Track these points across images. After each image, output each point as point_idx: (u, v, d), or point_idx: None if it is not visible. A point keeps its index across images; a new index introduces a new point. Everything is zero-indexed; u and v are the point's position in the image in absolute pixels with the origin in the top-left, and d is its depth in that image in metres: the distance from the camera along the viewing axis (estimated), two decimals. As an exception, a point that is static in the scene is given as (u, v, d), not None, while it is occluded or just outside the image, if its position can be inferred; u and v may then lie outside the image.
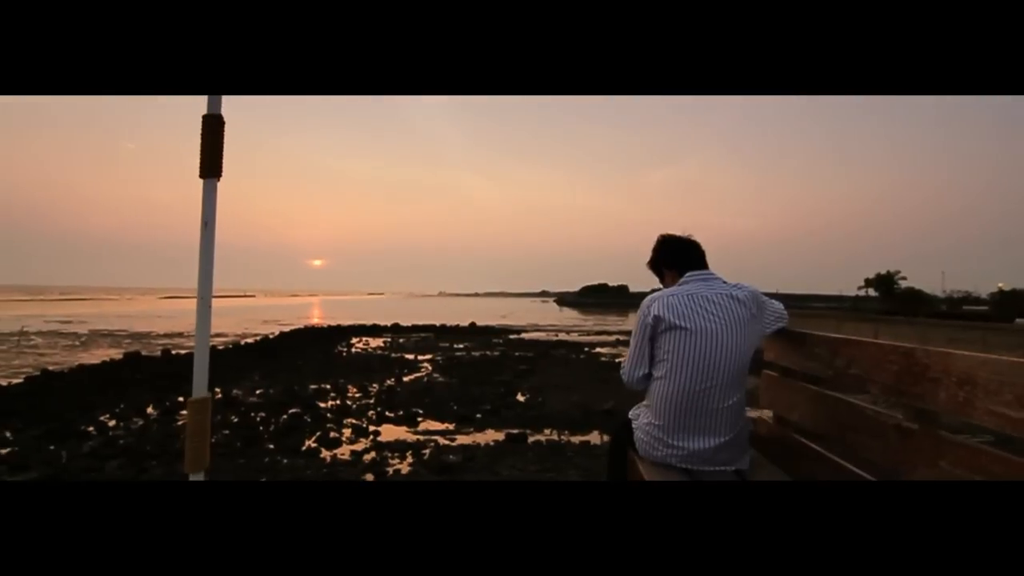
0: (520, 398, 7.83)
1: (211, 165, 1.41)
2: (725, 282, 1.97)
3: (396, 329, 22.25)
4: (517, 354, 13.83)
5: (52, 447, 5.11)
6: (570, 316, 44.22)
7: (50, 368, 10.01)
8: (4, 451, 4.99)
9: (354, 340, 17.60)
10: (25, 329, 19.24)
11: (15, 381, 8.68)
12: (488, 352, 14.27)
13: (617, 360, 13.08)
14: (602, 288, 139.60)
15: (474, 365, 11.52)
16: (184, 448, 1.44)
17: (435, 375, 10.11)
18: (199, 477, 1.44)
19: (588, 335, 22.37)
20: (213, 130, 1.42)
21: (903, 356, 1.46)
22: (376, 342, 17.10)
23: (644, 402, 2.05)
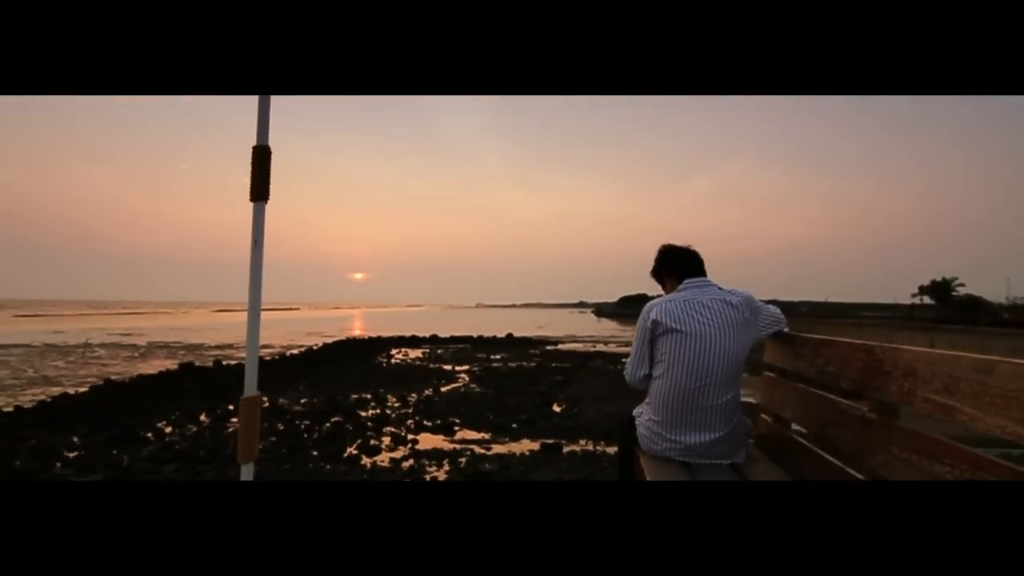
0: (556, 408, 7.87)
1: (260, 190, 1.58)
2: (720, 288, 2.09)
3: (434, 340, 22.54)
4: (554, 365, 13.83)
5: (114, 451, 5.46)
6: (608, 327, 43.74)
7: (112, 378, 10.62)
8: (72, 455, 5.36)
9: (394, 351, 17.94)
10: (90, 341, 20.41)
11: (81, 390, 9.25)
12: (525, 363, 14.32)
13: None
14: (641, 298, 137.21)
15: (510, 376, 11.59)
16: (239, 441, 1.59)
17: (472, 385, 10.23)
18: (249, 467, 1.58)
19: (626, 346, 22.13)
20: (262, 159, 1.58)
21: (865, 353, 1.59)
22: (415, 353, 17.39)
23: (646, 400, 2.19)
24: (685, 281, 2.13)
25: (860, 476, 1.60)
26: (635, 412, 2.26)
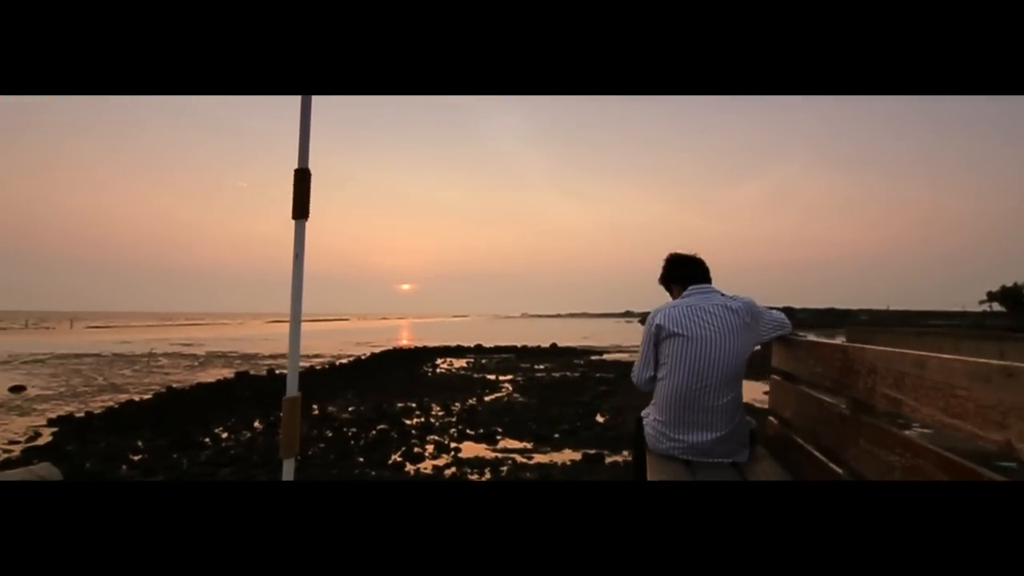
0: (599, 419, 7.80)
1: (301, 209, 1.68)
2: (723, 295, 2.19)
3: (479, 350, 22.70)
4: (598, 375, 13.71)
5: (175, 455, 5.74)
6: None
7: (174, 385, 11.19)
8: (136, 458, 5.67)
9: (439, 361, 18.18)
10: (154, 351, 21.54)
11: (145, 397, 9.78)
12: (568, 373, 14.26)
13: (702, 381, 12.63)
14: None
15: (554, 386, 11.56)
16: (281, 437, 1.71)
17: (515, 395, 10.26)
18: (291, 462, 1.66)
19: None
20: (302, 180, 1.68)
21: (842, 353, 1.69)
22: (459, 363, 17.56)
23: (652, 401, 2.27)
24: (689, 288, 2.23)
25: (841, 472, 1.67)
26: (643, 413, 2.35)
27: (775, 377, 2.59)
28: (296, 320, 1.65)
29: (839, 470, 1.66)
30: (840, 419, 1.68)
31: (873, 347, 1.50)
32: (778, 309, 2.31)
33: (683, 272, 2.30)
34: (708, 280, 2.27)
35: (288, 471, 1.66)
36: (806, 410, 2.08)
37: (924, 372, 1.18)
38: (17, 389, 10.88)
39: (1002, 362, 0.95)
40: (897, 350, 1.35)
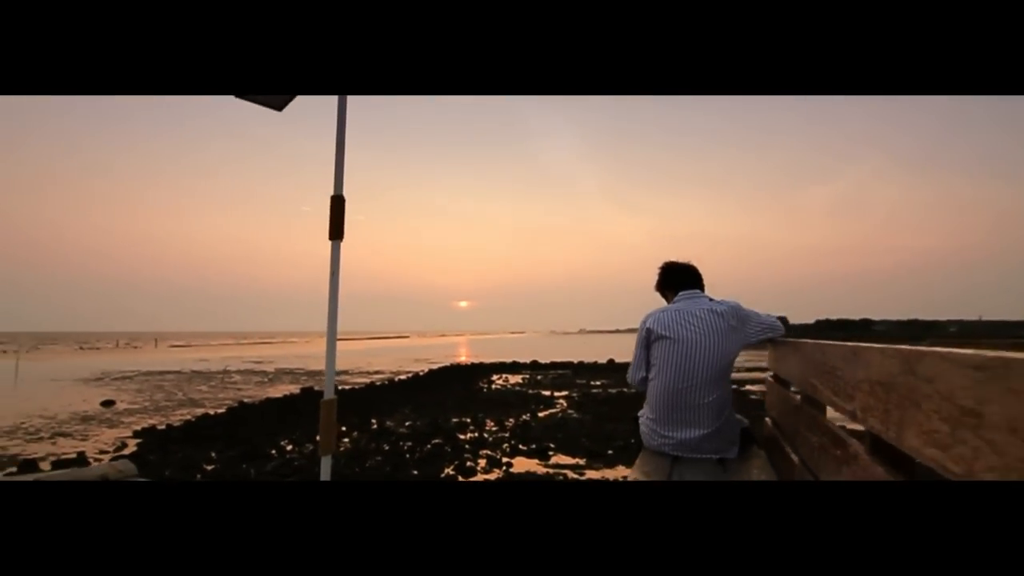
0: (654, 435, 7.66)
1: (336, 231, 1.87)
2: (711, 300, 2.32)
3: (535, 366, 22.69)
4: (656, 391, 13.43)
5: (244, 465, 6.09)
6: (718, 352, 41.53)
7: (245, 400, 11.83)
8: (209, 467, 6.05)
9: (494, 377, 18.31)
10: (228, 368, 22.84)
11: (220, 411, 10.40)
12: (625, 389, 14.03)
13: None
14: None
15: (609, 401, 11.43)
16: (319, 436, 1.85)
17: (569, 411, 10.21)
18: (328, 460, 1.79)
19: (738, 371, 20.95)
20: (337, 206, 1.86)
21: (798, 350, 1.73)
22: (515, 379, 17.63)
23: (645, 400, 2.41)
24: (680, 294, 2.38)
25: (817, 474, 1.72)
26: (639, 413, 2.48)
27: (769, 379, 2.71)
28: (333, 332, 1.82)
29: (810, 471, 1.69)
30: (796, 411, 1.76)
31: (820, 342, 1.52)
32: (778, 317, 2.37)
33: (675, 279, 2.44)
34: (698, 286, 2.40)
35: (325, 469, 1.80)
36: (785, 410, 2.18)
37: (847, 366, 1.21)
38: (108, 403, 11.82)
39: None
40: (830, 343, 1.36)
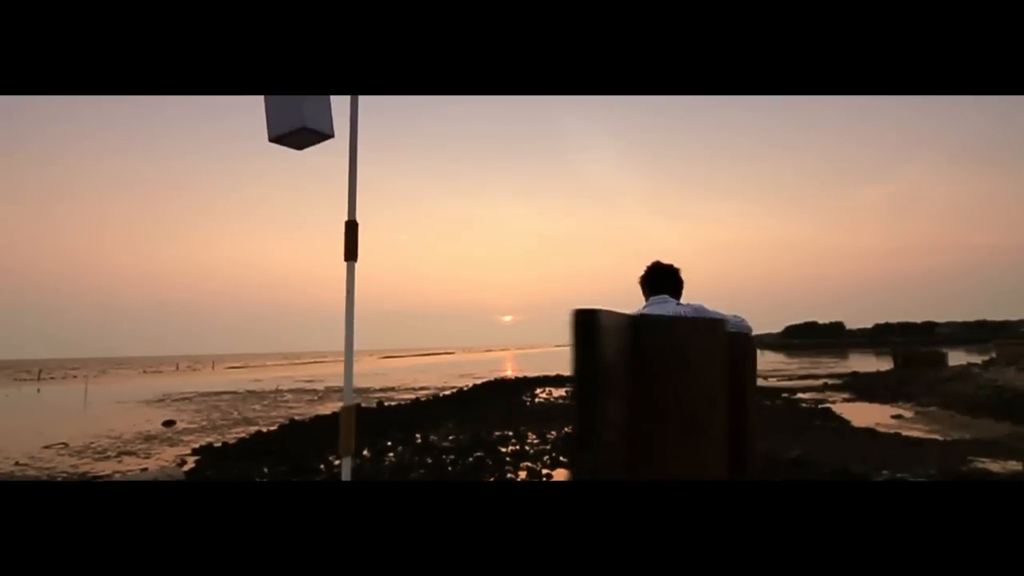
0: (700, 446, 7.48)
1: (350, 253, 2.07)
2: (678, 304, 2.36)
3: (580, 379, 22.42)
4: (703, 401, 13.10)
5: (294, 480, 6.28)
6: (771, 360, 40.21)
7: (296, 418, 12.21)
8: (258, 480, 6.28)
9: (538, 390, 18.27)
10: (280, 388, 23.62)
11: (272, 428, 10.77)
12: (672, 400, 13.75)
13: (821, 406, 11.67)
14: (810, 327, 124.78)
15: (655, 413, 11.22)
16: (340, 440, 1.98)
17: (614, 423, 10.07)
18: (348, 461, 1.89)
19: (790, 379, 20.24)
20: (351, 230, 2.11)
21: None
22: (559, 392, 17.54)
23: None
24: (651, 298, 2.43)
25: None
26: None
27: None
28: (350, 346, 2.00)
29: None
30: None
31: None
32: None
33: (652, 282, 2.50)
34: (673, 291, 2.47)
35: (346, 470, 1.89)
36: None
37: None
38: (169, 423, 12.41)
39: None
40: None
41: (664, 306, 2.36)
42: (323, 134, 2.14)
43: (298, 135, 2.12)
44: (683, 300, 2.52)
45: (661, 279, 2.45)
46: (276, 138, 2.15)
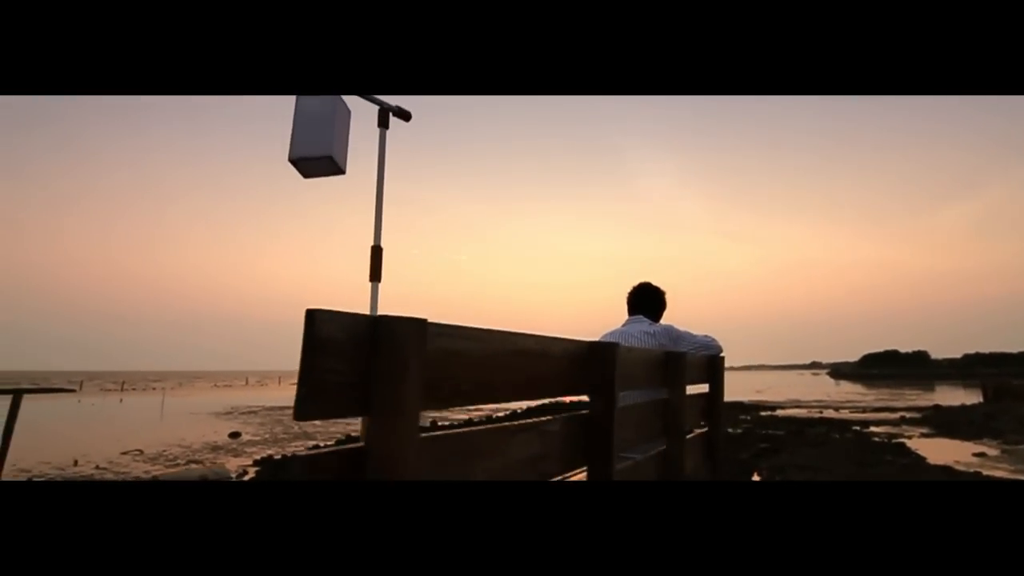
0: (755, 478, 7.14)
1: (375, 274, 2.27)
2: (651, 323, 2.55)
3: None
4: (763, 432, 12.52)
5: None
6: (847, 390, 37.90)
7: (352, 434, 12.55)
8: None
9: (592, 415, 17.98)
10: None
11: (328, 443, 11.12)
12: (730, 429, 13.20)
13: (894, 441, 10.88)
14: (891, 356, 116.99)
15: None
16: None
17: (667, 451, 9.78)
18: None
19: (863, 412, 18.99)
20: (376, 255, 2.29)
21: None
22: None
23: None
24: (629, 318, 2.60)
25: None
26: None
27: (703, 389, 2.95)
28: None
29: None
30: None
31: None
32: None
33: (633, 302, 2.67)
34: (647, 312, 2.62)
35: None
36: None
37: None
38: (234, 435, 13.06)
39: None
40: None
41: (637, 325, 2.52)
42: (338, 168, 2.28)
43: (318, 163, 2.23)
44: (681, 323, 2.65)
45: (639, 300, 2.62)
46: (296, 159, 2.26)
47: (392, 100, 2.59)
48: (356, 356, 0.74)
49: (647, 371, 1.90)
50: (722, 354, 2.70)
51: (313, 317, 0.68)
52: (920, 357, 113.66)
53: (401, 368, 0.76)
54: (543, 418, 1.22)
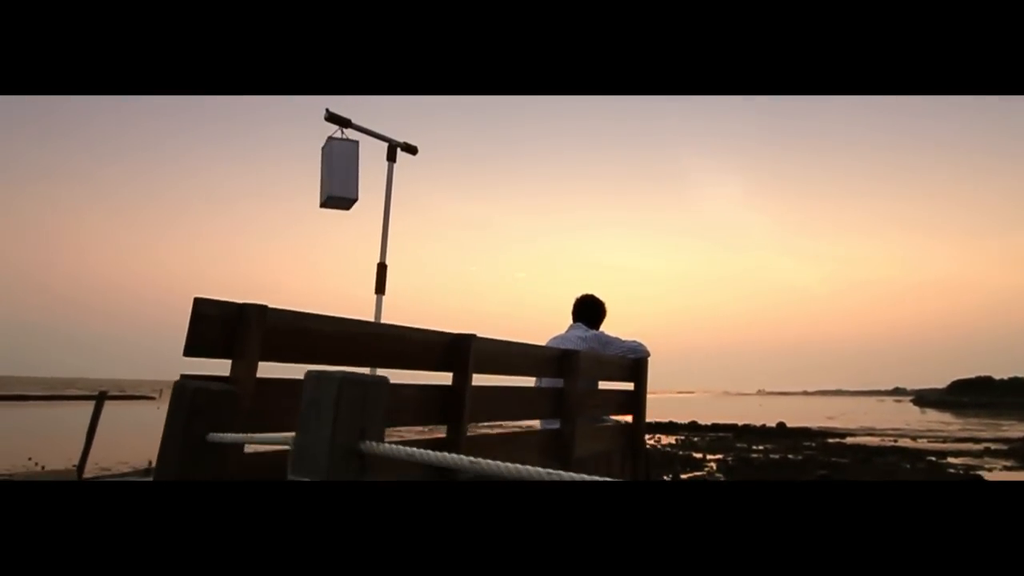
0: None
1: (380, 287, 2.67)
2: (586, 329, 2.91)
3: (692, 427, 21.36)
4: (827, 459, 11.89)
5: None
6: (931, 419, 35.00)
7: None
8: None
9: (646, 436, 17.57)
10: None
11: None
12: (791, 455, 12.63)
13: (971, 473, 10.06)
14: (983, 382, 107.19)
15: (766, 467, 10.42)
16: None
17: (718, 475, 9.52)
18: None
19: (943, 442, 17.61)
20: (382, 271, 2.69)
21: None
22: (667, 439, 16.81)
23: None
24: (571, 324, 2.96)
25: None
26: None
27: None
28: None
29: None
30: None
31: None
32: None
33: (576, 311, 3.02)
34: (589, 320, 2.98)
35: None
36: None
37: None
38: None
39: None
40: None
41: (575, 331, 2.90)
42: (352, 203, 2.69)
43: (341, 201, 2.67)
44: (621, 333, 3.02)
45: (580, 310, 3.01)
46: (327, 199, 2.67)
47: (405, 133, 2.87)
48: (224, 324, 1.23)
49: (536, 364, 2.37)
50: (649, 356, 3.02)
51: (197, 302, 1.19)
52: (1018, 384, 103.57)
53: (247, 331, 1.24)
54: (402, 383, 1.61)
